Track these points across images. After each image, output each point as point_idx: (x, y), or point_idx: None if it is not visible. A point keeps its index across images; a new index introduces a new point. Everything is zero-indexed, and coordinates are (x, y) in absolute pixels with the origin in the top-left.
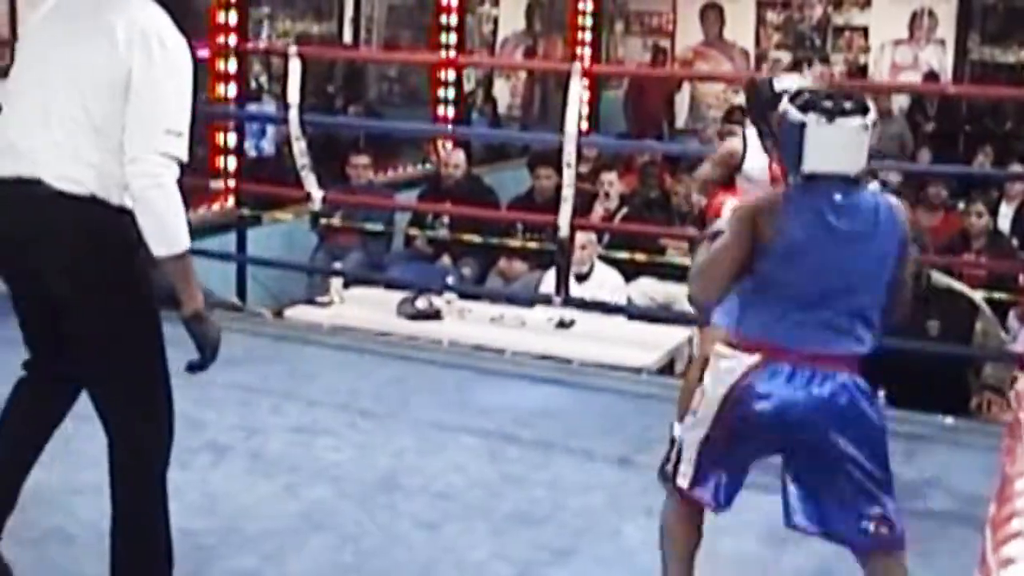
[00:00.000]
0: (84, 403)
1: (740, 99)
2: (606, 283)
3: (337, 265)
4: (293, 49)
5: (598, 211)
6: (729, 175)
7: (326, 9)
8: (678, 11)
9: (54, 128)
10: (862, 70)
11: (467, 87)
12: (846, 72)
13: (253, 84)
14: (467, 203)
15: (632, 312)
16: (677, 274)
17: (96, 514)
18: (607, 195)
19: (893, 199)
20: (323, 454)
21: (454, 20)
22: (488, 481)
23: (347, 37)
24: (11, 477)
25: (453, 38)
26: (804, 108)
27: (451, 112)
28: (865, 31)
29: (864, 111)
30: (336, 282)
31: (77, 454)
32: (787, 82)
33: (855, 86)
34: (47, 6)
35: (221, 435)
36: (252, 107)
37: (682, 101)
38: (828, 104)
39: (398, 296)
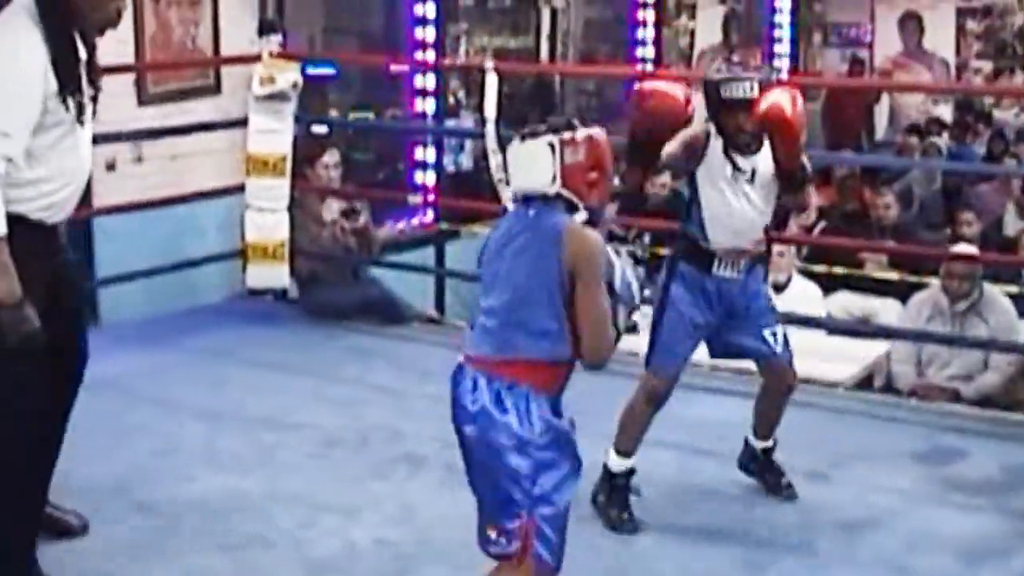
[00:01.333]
0: (282, 414)
1: (940, 110)
2: (804, 295)
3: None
4: (490, 64)
5: (792, 226)
6: (693, 162)
7: (523, 24)
8: (876, 21)
9: None
10: None
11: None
12: None
13: (451, 100)
14: (670, 219)
15: (829, 326)
16: (876, 288)
17: (293, 522)
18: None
19: (573, 223)
20: None
21: (651, 34)
22: (680, 493)
23: (544, 52)
24: None
25: (650, 52)
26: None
27: None
28: None
29: (555, 131)
30: None
31: (277, 463)
32: (736, 91)
33: None
34: None
35: (419, 446)
36: (450, 122)
37: (881, 112)
38: (523, 129)
39: None
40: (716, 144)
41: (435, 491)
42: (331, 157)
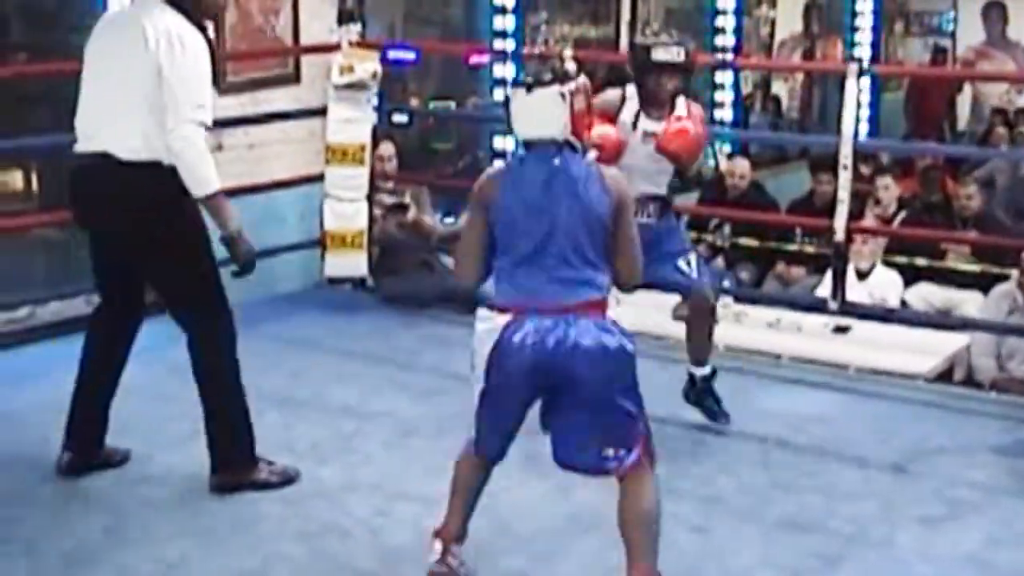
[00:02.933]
0: (360, 402)
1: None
2: (886, 281)
3: None
4: (568, 52)
5: (868, 217)
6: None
7: (603, 13)
8: (960, 10)
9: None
10: None
11: (745, 90)
12: None
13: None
14: (750, 209)
15: (910, 318)
16: (958, 279)
17: (370, 510)
18: (877, 201)
19: (601, 167)
20: None
21: (731, 22)
22: (759, 486)
23: (623, 41)
24: (99, 400)
25: (731, 40)
26: (513, 84)
27: (729, 115)
28: None
29: (562, 80)
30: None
31: (355, 452)
32: (664, 54)
33: None
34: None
35: None
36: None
37: (964, 102)
38: (529, 78)
39: (674, 299)
40: (631, 106)
41: (512, 480)
42: (386, 149)
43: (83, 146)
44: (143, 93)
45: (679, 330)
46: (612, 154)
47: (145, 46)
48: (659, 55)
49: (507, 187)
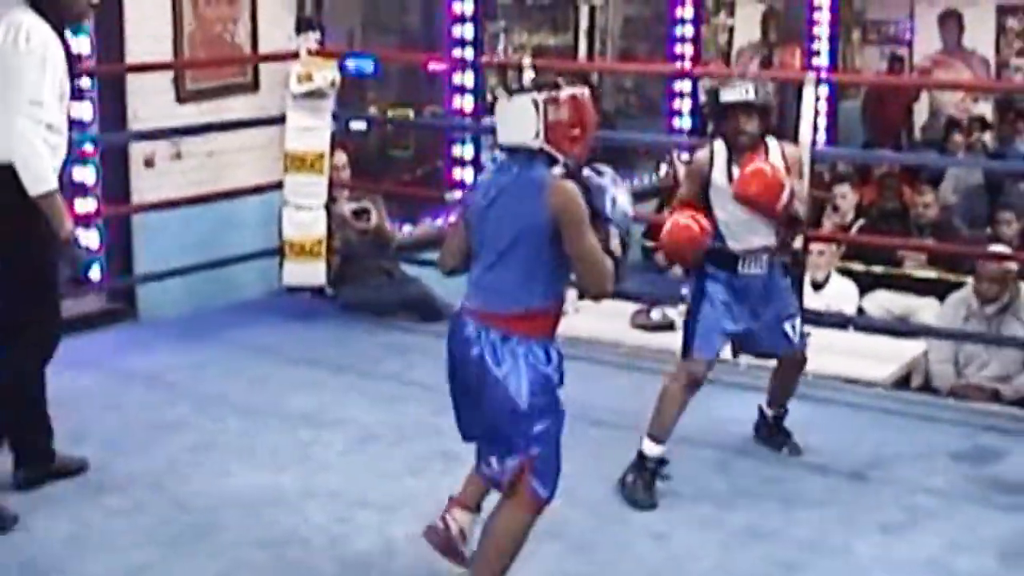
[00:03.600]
0: (319, 410)
1: (980, 109)
2: (842, 293)
3: (572, 276)
4: (527, 61)
5: (826, 225)
6: (702, 189)
7: (562, 22)
8: (916, 19)
9: None
10: None
11: (703, 98)
12: None
13: (490, 97)
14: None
15: (868, 325)
16: (915, 287)
17: (328, 517)
18: (835, 208)
19: (552, 177)
20: None
21: (689, 31)
22: (719, 493)
23: (582, 49)
24: (32, 409)
25: (689, 49)
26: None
27: (688, 123)
28: None
29: (539, 89)
30: (571, 292)
31: (314, 459)
32: (732, 95)
33: None
34: None
35: (456, 443)
36: (489, 120)
37: (921, 111)
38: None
39: (632, 307)
40: (720, 159)
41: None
42: (339, 158)
43: None
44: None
45: (637, 337)
46: (678, 249)
47: (1, 44)
48: (727, 96)
49: (477, 189)
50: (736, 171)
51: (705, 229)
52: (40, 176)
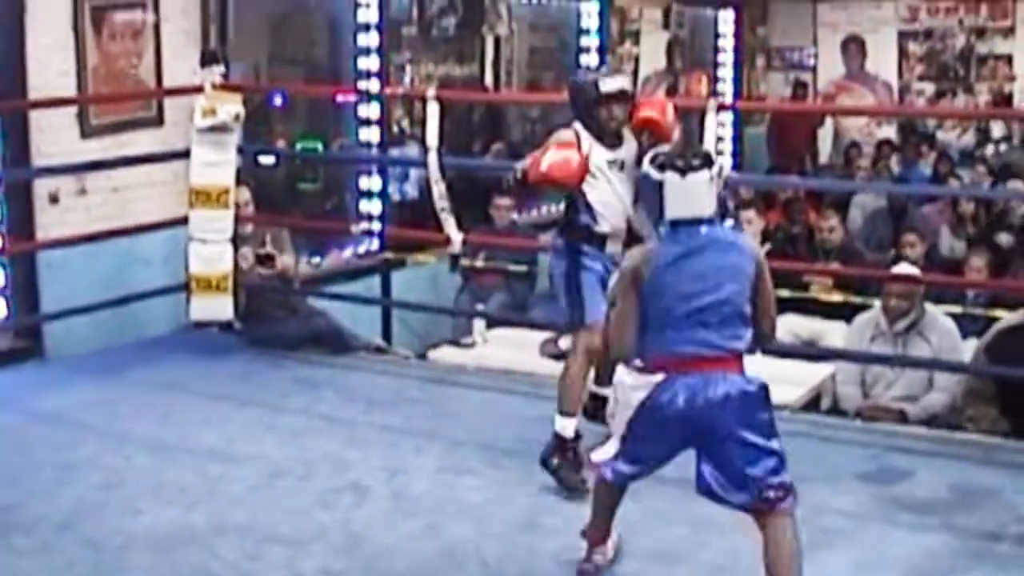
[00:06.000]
0: (228, 445)
1: (883, 132)
2: None
3: (480, 307)
4: (431, 92)
5: None
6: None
7: (467, 52)
8: (819, 45)
9: None
10: (1007, 99)
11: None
12: (991, 101)
13: (395, 128)
14: (627, 246)
15: (776, 349)
16: (821, 310)
17: (239, 554)
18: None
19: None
20: (465, 494)
21: (595, 60)
22: (630, 519)
23: (488, 79)
24: None
25: None
26: (661, 167)
27: None
28: (1010, 59)
29: (710, 165)
30: (480, 323)
31: (221, 495)
32: (612, 84)
33: (1001, 114)
34: None
35: (365, 475)
36: (395, 151)
37: (825, 135)
38: (680, 163)
39: (541, 336)
40: (586, 141)
41: (381, 521)
42: (242, 195)
43: None
44: None
45: (548, 366)
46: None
47: None
48: (607, 87)
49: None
50: (605, 154)
51: (583, 166)
52: None
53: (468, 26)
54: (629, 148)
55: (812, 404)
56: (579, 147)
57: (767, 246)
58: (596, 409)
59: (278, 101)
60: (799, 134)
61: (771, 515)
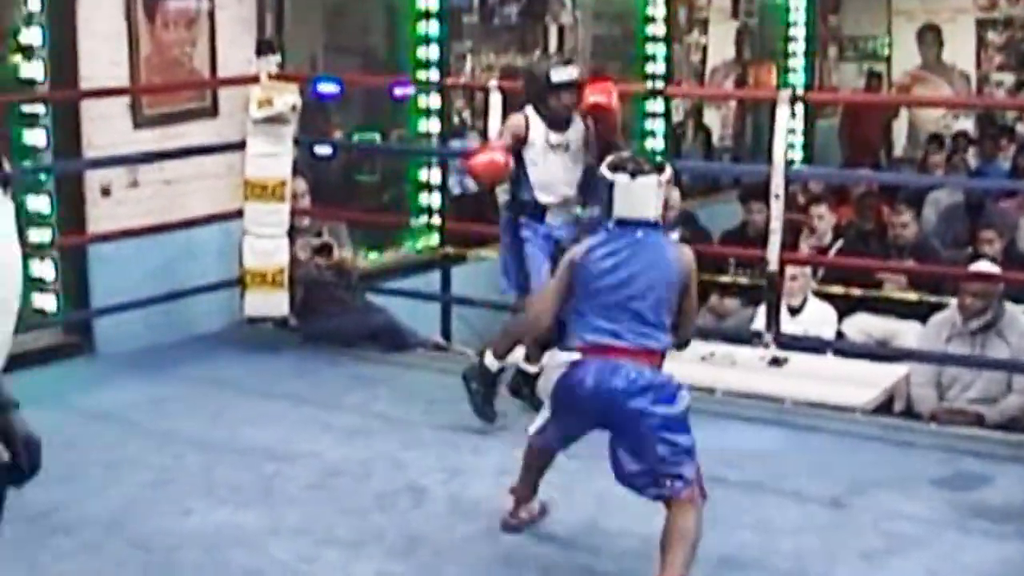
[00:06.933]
0: (282, 444)
1: (960, 125)
2: (819, 318)
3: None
4: (493, 83)
5: (803, 247)
6: (517, 143)
7: (530, 41)
8: (894, 34)
9: None
10: None
11: (676, 118)
12: None
13: (456, 120)
14: (682, 240)
15: (847, 349)
16: (895, 309)
17: (292, 554)
18: (812, 231)
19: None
20: None
21: (661, 50)
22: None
23: None
24: None
25: (661, 68)
26: (614, 168)
27: (660, 144)
28: None
29: (660, 171)
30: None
31: (275, 495)
32: (563, 74)
33: None
34: None
35: (422, 477)
36: (455, 143)
37: (900, 128)
38: (631, 166)
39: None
40: (537, 127)
41: (438, 522)
42: (299, 186)
43: None
44: None
45: None
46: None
47: None
48: (558, 76)
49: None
50: (554, 137)
51: (508, 163)
52: None
53: (531, 14)
54: (577, 130)
55: (885, 406)
56: (527, 132)
57: (839, 242)
58: (519, 385)
59: (331, 88)
60: (872, 127)
61: (673, 504)
